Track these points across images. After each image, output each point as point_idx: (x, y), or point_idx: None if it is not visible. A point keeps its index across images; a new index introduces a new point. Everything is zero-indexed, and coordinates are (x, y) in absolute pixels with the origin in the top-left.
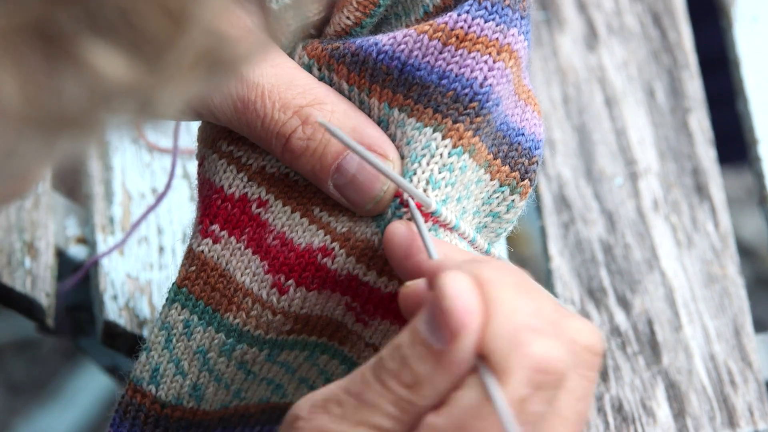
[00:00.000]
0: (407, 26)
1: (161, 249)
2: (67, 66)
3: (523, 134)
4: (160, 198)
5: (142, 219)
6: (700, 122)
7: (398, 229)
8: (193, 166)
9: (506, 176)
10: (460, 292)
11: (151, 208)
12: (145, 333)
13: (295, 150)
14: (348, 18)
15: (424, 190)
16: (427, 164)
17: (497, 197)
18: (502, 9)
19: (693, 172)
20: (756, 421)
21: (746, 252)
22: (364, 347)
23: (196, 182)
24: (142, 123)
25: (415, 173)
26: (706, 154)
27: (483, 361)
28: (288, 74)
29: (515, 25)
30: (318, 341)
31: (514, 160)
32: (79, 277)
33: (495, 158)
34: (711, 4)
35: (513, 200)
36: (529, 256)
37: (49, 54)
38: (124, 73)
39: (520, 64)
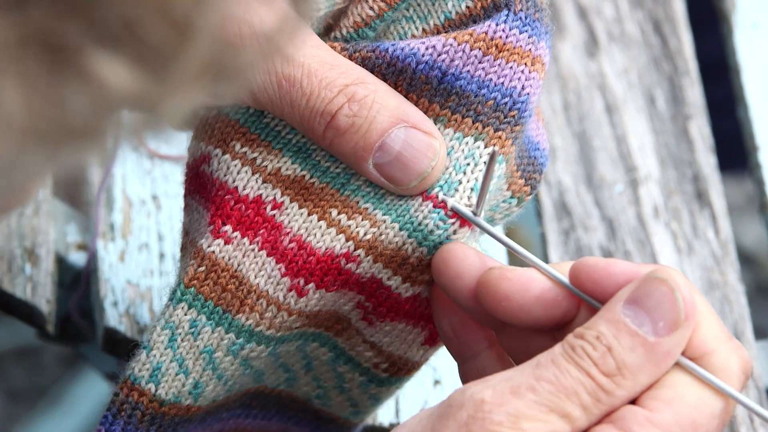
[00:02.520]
0: (424, 31)
1: (162, 256)
2: (72, 77)
3: (538, 149)
4: (107, 172)
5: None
6: (700, 129)
7: (472, 257)
8: None
9: (520, 189)
10: (686, 286)
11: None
12: (145, 338)
13: (341, 127)
14: (371, 9)
15: (469, 198)
16: (472, 173)
17: (504, 206)
18: (533, 21)
19: (693, 179)
20: (756, 429)
21: (747, 259)
22: (360, 342)
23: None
24: (148, 132)
25: (460, 182)
26: (707, 161)
27: (693, 359)
28: (329, 55)
29: (543, 39)
30: (316, 332)
31: (530, 174)
32: (84, 285)
33: (517, 170)
34: (711, 11)
35: (513, 211)
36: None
37: (54, 65)
38: (129, 84)
39: (544, 78)
